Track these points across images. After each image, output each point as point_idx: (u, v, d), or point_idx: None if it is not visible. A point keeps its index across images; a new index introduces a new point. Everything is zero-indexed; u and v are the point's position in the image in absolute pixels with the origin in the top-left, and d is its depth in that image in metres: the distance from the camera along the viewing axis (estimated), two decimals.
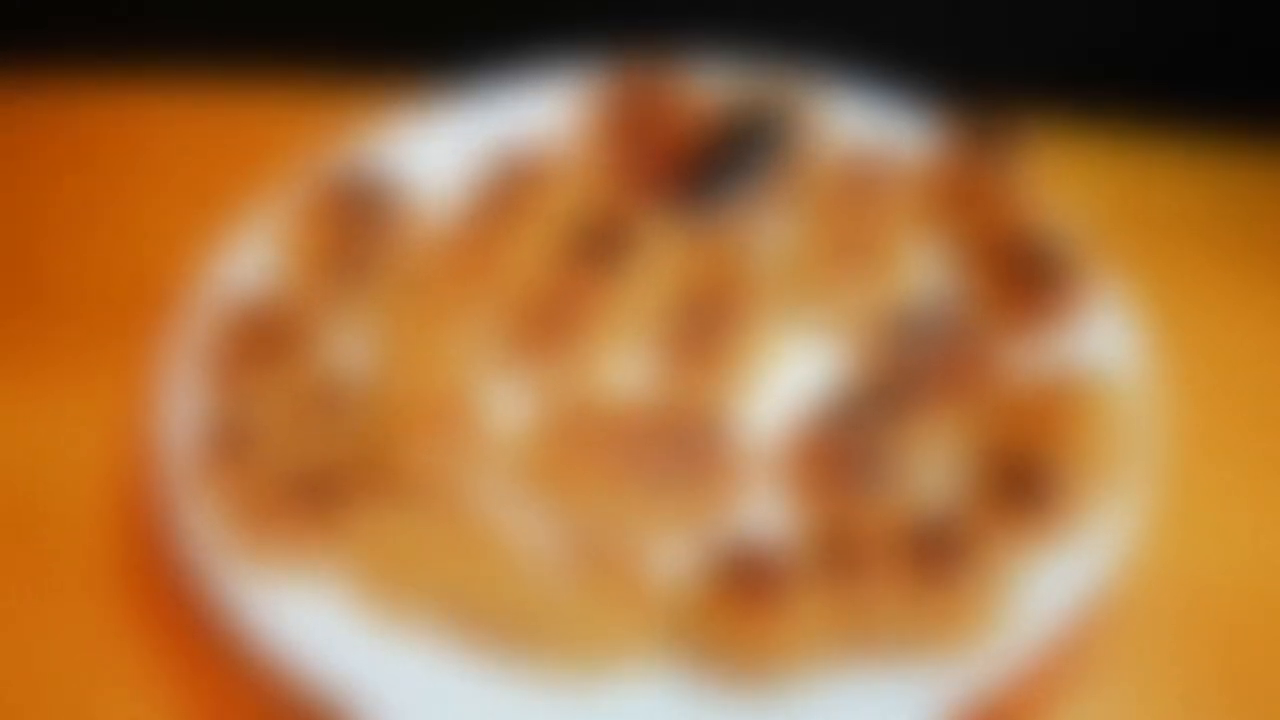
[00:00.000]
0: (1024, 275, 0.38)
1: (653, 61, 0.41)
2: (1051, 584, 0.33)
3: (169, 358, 0.37)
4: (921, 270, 0.39)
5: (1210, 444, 0.38)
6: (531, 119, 0.41)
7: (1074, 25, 0.44)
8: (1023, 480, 0.34)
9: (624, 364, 0.38)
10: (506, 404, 0.37)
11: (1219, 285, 0.41)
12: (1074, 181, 0.40)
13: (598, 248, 0.39)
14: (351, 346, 0.38)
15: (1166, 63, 0.43)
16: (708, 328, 0.38)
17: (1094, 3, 0.43)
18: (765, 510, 0.35)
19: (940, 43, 0.42)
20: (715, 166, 0.41)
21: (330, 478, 0.35)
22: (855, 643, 0.33)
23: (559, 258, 0.39)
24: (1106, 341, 0.37)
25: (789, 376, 0.37)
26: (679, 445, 0.36)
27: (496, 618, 0.33)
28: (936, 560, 0.33)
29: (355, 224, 0.39)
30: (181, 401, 0.36)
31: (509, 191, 0.40)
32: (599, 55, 0.42)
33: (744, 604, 0.33)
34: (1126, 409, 0.35)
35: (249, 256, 0.39)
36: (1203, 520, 0.36)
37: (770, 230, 0.39)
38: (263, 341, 0.37)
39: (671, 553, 0.34)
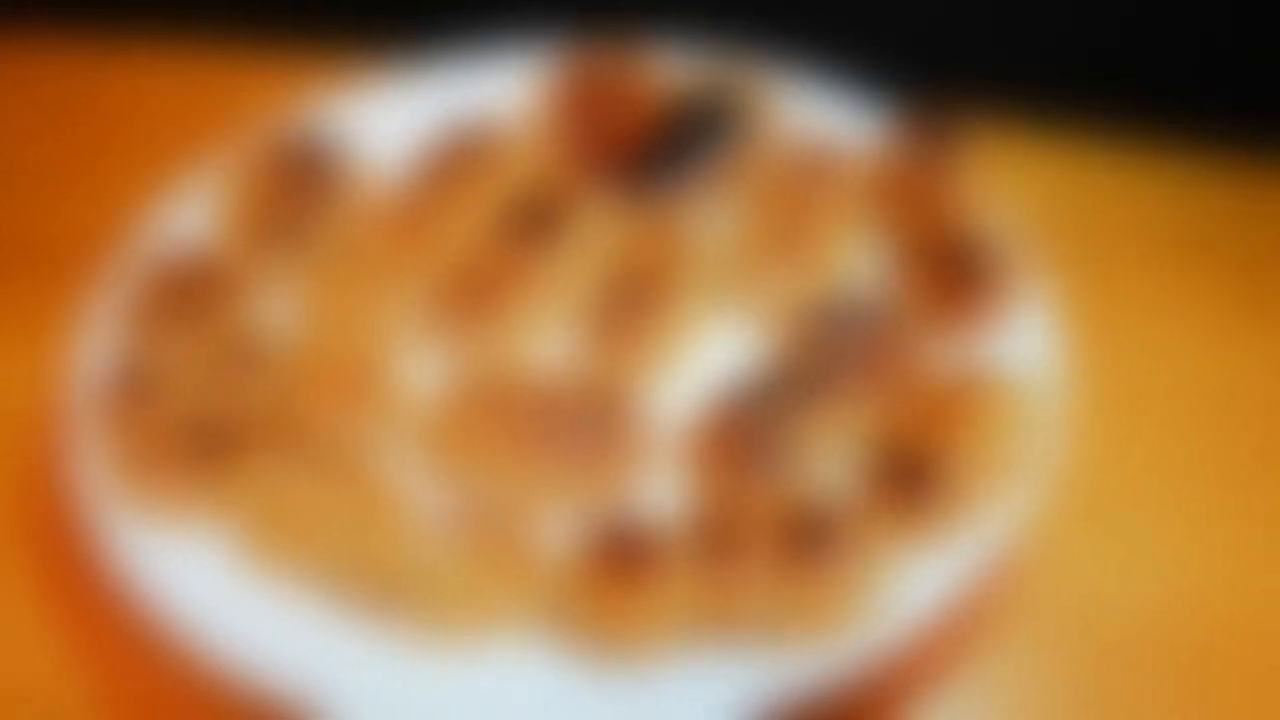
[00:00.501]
0: (952, 274, 0.38)
1: (611, 43, 0.42)
2: (923, 582, 0.33)
3: (94, 305, 0.38)
4: (853, 263, 0.38)
5: (1123, 453, 0.38)
6: (486, 94, 0.41)
7: (1030, 23, 0.43)
8: (910, 476, 0.34)
9: (544, 339, 0.38)
10: (422, 371, 0.37)
11: (1153, 292, 0.40)
12: (1016, 182, 0.40)
13: (533, 223, 0.39)
14: (277, 307, 0.38)
15: (1116, 63, 0.42)
16: (631, 308, 0.38)
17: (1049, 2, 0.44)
18: (658, 490, 0.35)
19: (894, 38, 0.42)
20: (663, 150, 0.41)
21: (230, 431, 0.35)
22: (718, 626, 0.33)
23: (493, 231, 0.39)
24: (1024, 345, 0.37)
25: (706, 360, 0.37)
26: (585, 421, 0.36)
27: (378, 580, 0.34)
28: (809, 549, 0.33)
29: (297, 187, 0.40)
30: (97, 347, 0.37)
31: (454, 164, 0.40)
32: (559, 34, 0.42)
33: (613, 580, 0.33)
34: (1032, 413, 0.35)
35: (189, 212, 0.39)
36: (1104, 529, 0.36)
37: (709, 216, 0.39)
38: (187, 295, 0.38)
39: (559, 526, 0.34)
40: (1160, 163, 0.42)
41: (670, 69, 0.41)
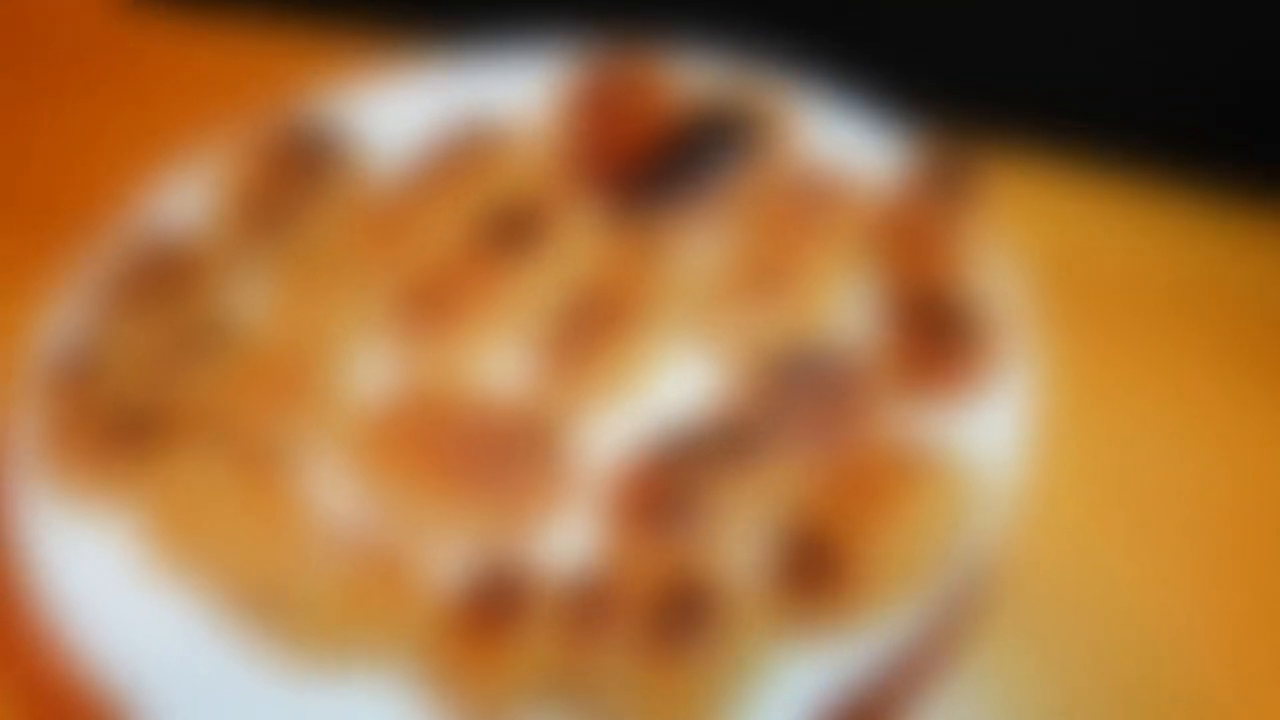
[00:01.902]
0: (935, 337, 0.36)
1: (632, 51, 0.40)
2: (798, 683, 0.31)
3: (73, 275, 0.38)
4: (833, 308, 0.37)
5: (1113, 525, 0.35)
6: (497, 95, 0.40)
7: (1056, 62, 0.41)
8: (815, 567, 0.32)
9: (494, 359, 0.37)
10: (367, 377, 0.37)
11: (1156, 348, 0.38)
12: (1023, 229, 0.38)
13: (512, 233, 0.38)
14: (248, 298, 0.38)
15: (1137, 107, 0.39)
16: (587, 337, 0.37)
17: (1088, 41, 0.41)
18: (562, 538, 0.34)
19: (923, 68, 0.40)
20: (666, 165, 0.39)
21: (158, 419, 0.35)
22: (569, 696, 0.31)
23: (470, 238, 0.38)
24: (990, 431, 0.34)
25: (651, 402, 0.36)
26: (509, 454, 0.35)
27: (260, 588, 0.33)
28: (681, 629, 0.31)
29: (294, 177, 0.39)
30: (62, 318, 0.37)
31: (449, 164, 0.39)
32: (579, 37, 0.41)
33: (474, 629, 0.32)
34: (973, 508, 0.33)
35: (184, 193, 0.39)
36: (1092, 608, 0.34)
37: (696, 241, 0.38)
38: (161, 278, 0.38)
39: (448, 562, 0.33)
40: (1177, 213, 0.39)
41: (687, 82, 0.39)
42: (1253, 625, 0.35)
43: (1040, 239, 0.39)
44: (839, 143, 0.38)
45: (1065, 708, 0.34)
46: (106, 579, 0.34)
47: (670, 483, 0.34)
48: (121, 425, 0.35)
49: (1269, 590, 0.35)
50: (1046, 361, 0.37)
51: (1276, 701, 0.33)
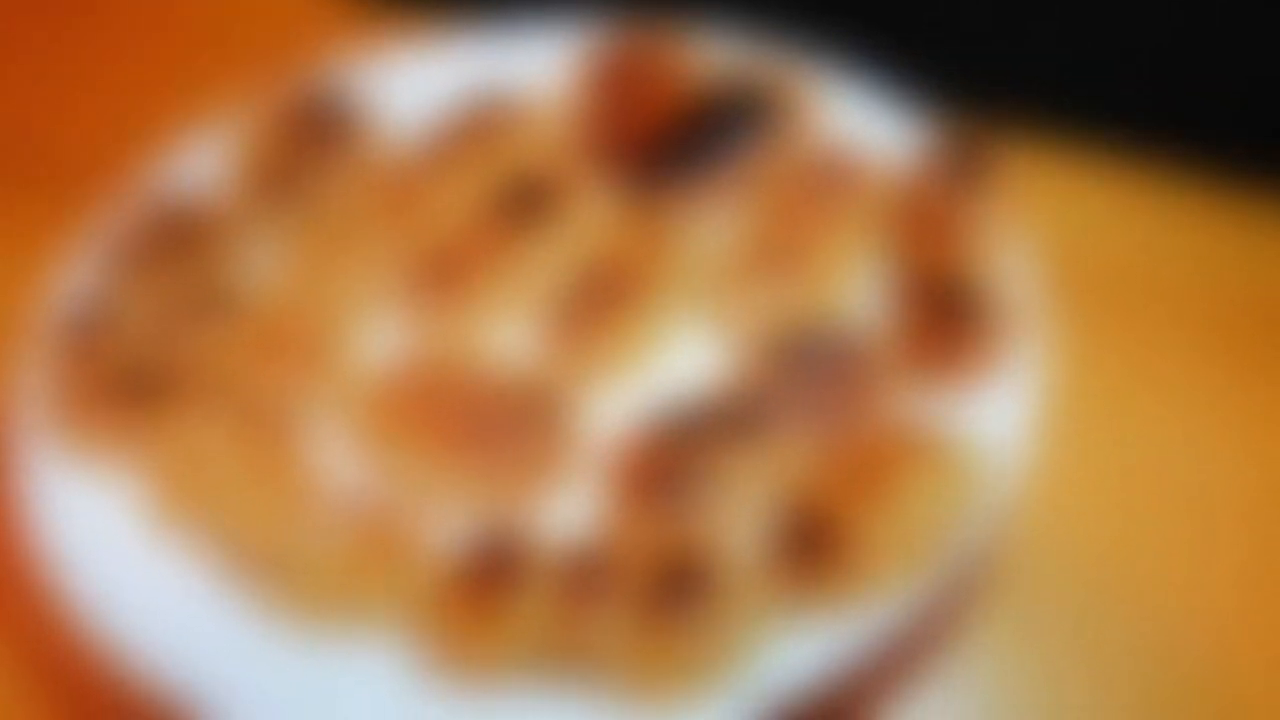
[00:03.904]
0: (947, 321, 0.36)
1: (651, 29, 0.40)
2: (794, 656, 0.31)
3: (85, 233, 0.38)
4: (845, 290, 0.37)
5: (1088, 539, 0.35)
6: (516, 69, 0.40)
7: (1083, 49, 0.40)
8: (813, 546, 0.32)
9: (504, 328, 0.37)
10: (375, 345, 0.37)
11: (1170, 355, 0.37)
12: (1040, 215, 0.38)
13: (524, 207, 0.38)
14: (258, 262, 0.38)
15: (1163, 95, 0.39)
16: (596, 311, 0.37)
17: (1106, 28, 0.40)
18: (562, 509, 0.34)
19: (941, 51, 0.40)
20: (682, 143, 0.39)
21: (166, 379, 0.35)
22: (566, 663, 0.31)
23: (483, 209, 0.38)
24: (996, 416, 0.34)
25: (658, 377, 0.36)
26: (514, 424, 0.35)
27: (263, 550, 0.33)
28: (678, 601, 0.31)
29: (309, 144, 0.39)
30: (72, 276, 0.37)
31: (464, 136, 0.39)
32: (600, 15, 0.41)
33: (470, 596, 0.32)
34: (974, 493, 0.33)
35: (199, 155, 0.39)
36: (1101, 589, 0.34)
37: (709, 219, 0.38)
38: (174, 239, 0.38)
39: (449, 528, 0.33)
40: (1190, 202, 0.38)
41: (705, 61, 0.39)
42: (1255, 612, 0.34)
43: (1054, 226, 0.39)
44: (855, 125, 0.38)
45: (1063, 693, 0.34)
46: (111, 535, 0.34)
47: (673, 458, 0.34)
48: (130, 384, 0.35)
49: (1272, 577, 0.35)
50: (1056, 347, 0.37)
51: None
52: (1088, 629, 0.34)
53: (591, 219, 0.38)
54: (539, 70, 0.40)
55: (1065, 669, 0.34)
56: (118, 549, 0.33)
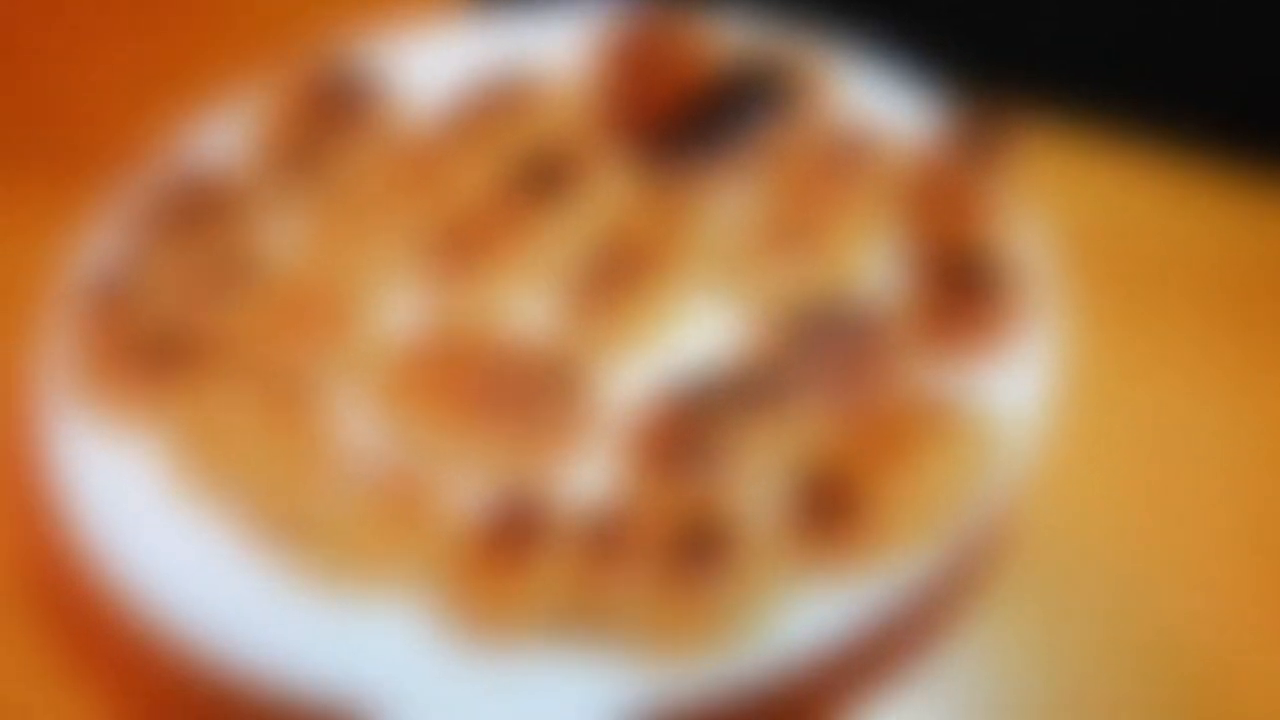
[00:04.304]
0: (963, 294, 0.36)
1: (668, 7, 0.41)
2: (815, 616, 0.31)
3: (106, 205, 0.38)
4: (862, 265, 0.37)
5: (1105, 518, 0.36)
6: (535, 46, 0.40)
7: (1101, 28, 0.41)
8: (832, 509, 0.32)
9: (522, 301, 0.37)
10: (395, 315, 0.37)
11: (1187, 333, 0.38)
12: (1057, 196, 0.38)
13: (543, 182, 0.38)
14: (279, 233, 0.38)
15: (1187, 77, 0.39)
16: (615, 283, 0.37)
17: (1126, 9, 0.41)
18: (582, 474, 0.34)
19: (958, 31, 0.40)
20: (699, 121, 0.40)
21: (188, 347, 0.36)
22: (589, 623, 0.32)
23: (502, 184, 0.39)
24: (1013, 387, 0.34)
25: (676, 348, 0.36)
26: (534, 392, 0.35)
27: (287, 515, 0.34)
28: (699, 561, 0.31)
29: (331, 118, 0.40)
30: (94, 246, 0.37)
31: (484, 112, 0.40)
32: None
33: (493, 557, 0.32)
34: (991, 460, 0.33)
35: (220, 128, 0.39)
36: (1110, 572, 0.34)
37: (727, 195, 0.38)
38: (196, 210, 0.38)
39: (470, 492, 0.34)
40: (1207, 181, 0.39)
41: (725, 39, 0.40)
42: (1274, 591, 0.35)
43: (1070, 203, 0.39)
44: (871, 103, 0.38)
45: (1076, 668, 0.34)
46: (135, 500, 0.34)
47: (691, 426, 0.34)
48: (153, 351, 0.36)
49: None
50: (1071, 323, 0.37)
51: None
52: (1097, 607, 0.34)
53: (610, 194, 0.38)
54: (558, 48, 0.40)
55: (1073, 644, 0.34)
56: (142, 514, 0.34)
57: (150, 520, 0.34)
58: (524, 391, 0.35)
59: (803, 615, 0.31)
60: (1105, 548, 0.36)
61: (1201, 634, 0.34)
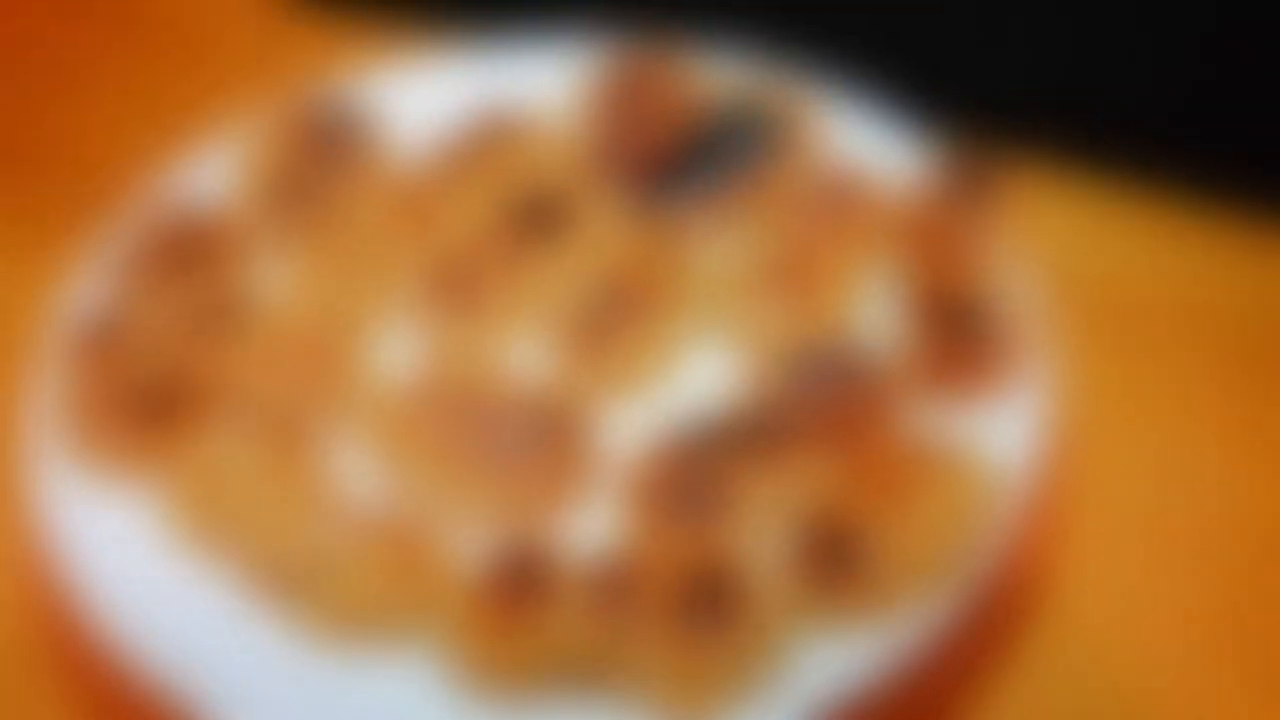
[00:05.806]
0: (959, 337, 0.36)
1: (659, 47, 0.41)
2: (825, 665, 0.31)
3: (96, 245, 0.38)
4: (857, 308, 0.37)
5: (1102, 558, 0.36)
6: (525, 84, 0.40)
7: (1089, 75, 0.41)
8: (836, 556, 0.32)
9: (521, 343, 0.37)
10: (392, 357, 0.37)
11: (1175, 375, 0.38)
12: (1049, 239, 0.38)
13: (537, 221, 0.38)
14: (272, 275, 0.38)
15: (1176, 123, 0.40)
16: (612, 326, 0.37)
17: (1113, 56, 0.41)
18: (586, 523, 0.34)
19: (947, 74, 0.40)
20: (691, 160, 0.40)
21: (184, 393, 0.35)
22: (599, 675, 0.32)
23: (496, 223, 0.39)
24: (1010, 430, 0.35)
25: (674, 393, 0.36)
26: (534, 439, 0.35)
27: (291, 567, 0.33)
28: (709, 612, 0.31)
29: (320, 157, 0.39)
30: (84, 289, 0.37)
31: (475, 150, 0.39)
32: (608, 31, 0.41)
33: (502, 609, 0.32)
34: (990, 504, 0.34)
35: (210, 167, 0.39)
36: (1108, 621, 0.35)
37: (722, 236, 0.38)
38: (187, 251, 0.38)
39: (475, 542, 0.34)
40: (1195, 227, 0.39)
41: (714, 78, 0.40)
42: (1265, 638, 0.35)
43: (1062, 246, 0.40)
44: (862, 145, 0.39)
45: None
46: (134, 554, 0.34)
47: (694, 472, 0.34)
48: (147, 399, 0.35)
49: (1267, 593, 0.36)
50: (1063, 366, 0.37)
51: None
52: (1095, 647, 0.35)
53: (603, 234, 0.38)
54: (548, 85, 0.40)
55: (1073, 694, 0.34)
56: (142, 568, 0.33)
57: (151, 575, 0.33)
58: (524, 437, 0.35)
59: (814, 663, 0.31)
60: (1087, 584, 0.36)
61: (1189, 674, 0.34)
